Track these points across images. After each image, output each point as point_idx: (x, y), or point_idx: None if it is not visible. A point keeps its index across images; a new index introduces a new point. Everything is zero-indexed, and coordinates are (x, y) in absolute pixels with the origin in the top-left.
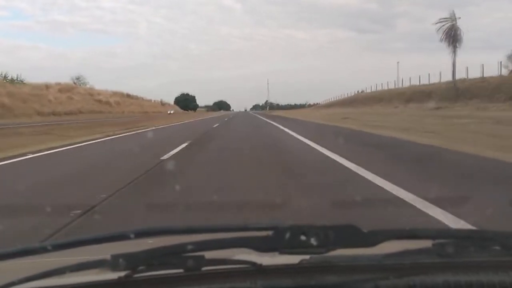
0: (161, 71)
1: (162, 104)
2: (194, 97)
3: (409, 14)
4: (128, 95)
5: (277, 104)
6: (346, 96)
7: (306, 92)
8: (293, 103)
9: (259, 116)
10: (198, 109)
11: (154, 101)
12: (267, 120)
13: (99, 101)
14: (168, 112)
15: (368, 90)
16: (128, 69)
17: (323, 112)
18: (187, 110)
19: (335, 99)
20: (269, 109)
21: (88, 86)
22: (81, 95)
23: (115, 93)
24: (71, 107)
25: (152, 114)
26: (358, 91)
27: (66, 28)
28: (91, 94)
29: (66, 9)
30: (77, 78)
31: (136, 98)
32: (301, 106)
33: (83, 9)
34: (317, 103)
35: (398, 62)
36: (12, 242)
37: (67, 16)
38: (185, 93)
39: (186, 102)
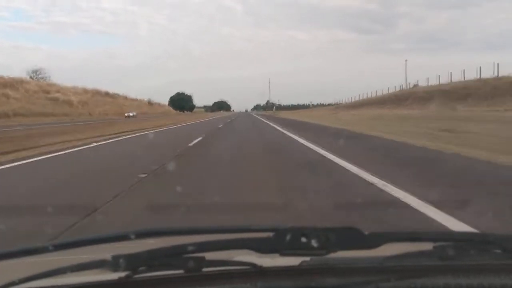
0: (162, 72)
1: (150, 103)
2: (190, 96)
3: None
4: (106, 94)
5: (279, 105)
6: (382, 92)
7: (307, 93)
8: (295, 103)
9: (268, 122)
10: (196, 109)
11: (140, 100)
12: (293, 137)
13: (55, 99)
14: (126, 115)
15: (422, 83)
16: (129, 69)
17: (364, 115)
18: (183, 111)
19: (364, 98)
20: (275, 109)
21: (48, 81)
22: (27, 92)
23: (86, 91)
24: (3, 107)
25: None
26: (400, 85)
27: (67, 29)
28: (47, 91)
29: (67, 10)
30: (35, 72)
31: (114, 96)
32: (305, 107)
33: (84, 10)
34: (332, 103)
35: (406, 60)
36: (13, 241)
37: (69, 17)
38: (181, 92)
39: (181, 102)
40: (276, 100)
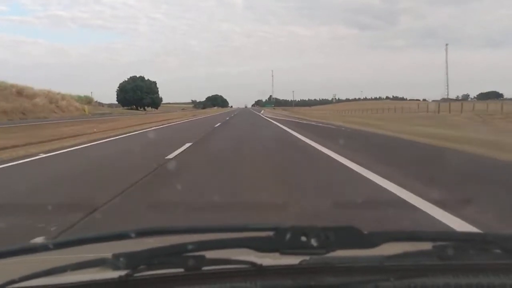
0: (162, 68)
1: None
2: (154, 83)
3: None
4: None
5: (284, 100)
6: None
7: (308, 89)
8: (306, 99)
9: None
10: (184, 105)
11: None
12: None
13: None
14: None
15: None
16: (128, 65)
17: None
18: (143, 108)
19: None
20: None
21: None
22: None
23: None
24: None
25: None
26: None
27: (66, 23)
28: None
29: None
30: None
31: None
32: (326, 102)
33: (82, 4)
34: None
35: (447, 45)
36: (13, 240)
37: (67, 11)
38: (138, 76)
39: (137, 92)
40: (285, 96)
